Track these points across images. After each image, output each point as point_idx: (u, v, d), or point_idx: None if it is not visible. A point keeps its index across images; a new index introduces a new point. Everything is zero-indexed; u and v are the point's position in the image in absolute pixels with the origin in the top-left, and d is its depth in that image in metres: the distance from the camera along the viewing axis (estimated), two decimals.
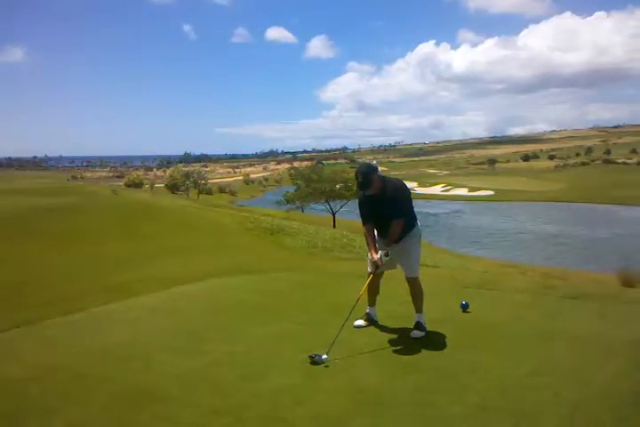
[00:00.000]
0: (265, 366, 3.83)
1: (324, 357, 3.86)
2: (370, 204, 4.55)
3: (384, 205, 4.45)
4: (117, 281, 7.79)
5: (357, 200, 4.78)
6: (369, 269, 4.74)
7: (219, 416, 3.03)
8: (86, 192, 23.64)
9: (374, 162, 4.68)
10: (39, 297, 6.86)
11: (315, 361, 3.84)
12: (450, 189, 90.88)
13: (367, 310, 4.89)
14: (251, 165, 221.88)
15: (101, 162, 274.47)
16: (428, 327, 4.61)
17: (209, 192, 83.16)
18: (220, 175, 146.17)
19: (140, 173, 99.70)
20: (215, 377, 3.62)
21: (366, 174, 4.33)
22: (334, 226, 37.28)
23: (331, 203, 45.95)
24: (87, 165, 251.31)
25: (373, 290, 4.81)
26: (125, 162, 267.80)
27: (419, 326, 4.55)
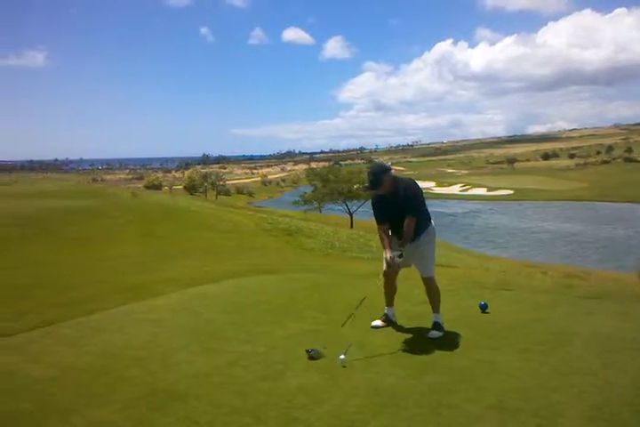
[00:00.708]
0: (284, 366, 3.84)
1: (342, 357, 3.86)
2: (383, 204, 4.57)
3: (397, 204, 4.46)
4: (136, 282, 7.87)
5: (370, 200, 4.82)
6: (384, 269, 4.74)
7: (238, 416, 3.04)
8: (106, 194, 23.94)
9: (388, 163, 4.70)
10: (60, 297, 6.95)
11: (312, 356, 3.90)
12: (468, 189, 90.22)
13: (385, 311, 4.88)
14: (268, 166, 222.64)
15: (121, 164, 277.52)
16: (447, 327, 4.59)
17: (227, 193, 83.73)
18: (237, 176, 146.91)
19: (159, 175, 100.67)
20: (234, 377, 3.64)
21: (377, 174, 4.36)
22: (351, 226, 37.30)
23: (348, 203, 45.96)
24: (107, 168, 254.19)
25: (390, 289, 4.81)
26: (145, 164, 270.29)
27: (437, 326, 4.53)
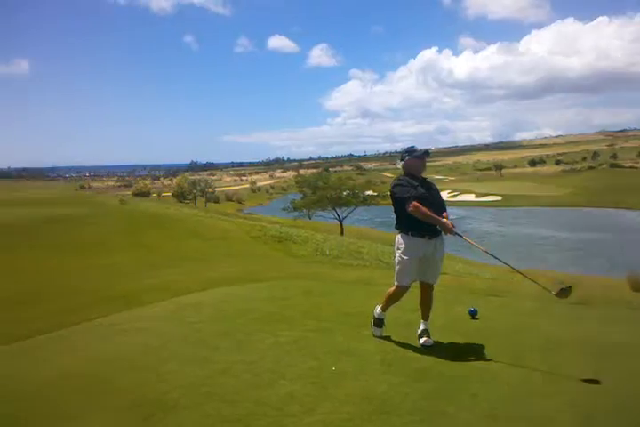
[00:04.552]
0: (274, 374, 3.81)
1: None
2: (419, 187, 4.41)
3: (432, 191, 4.49)
4: (125, 290, 7.80)
5: (397, 183, 4.49)
6: (400, 282, 4.50)
7: (228, 425, 3.01)
8: (94, 202, 23.76)
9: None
10: (50, 307, 6.89)
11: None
12: (457, 195, 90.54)
13: (382, 316, 4.79)
14: (257, 173, 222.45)
15: (109, 172, 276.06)
16: (438, 334, 4.58)
17: (216, 200, 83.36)
18: (226, 183, 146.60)
19: (148, 182, 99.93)
20: (224, 386, 3.61)
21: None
22: (342, 233, 37.24)
23: (338, 210, 45.94)
24: (95, 175, 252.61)
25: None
26: (132, 171, 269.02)
27: (427, 333, 4.50)
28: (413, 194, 4.31)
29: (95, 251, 12.51)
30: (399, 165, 4.63)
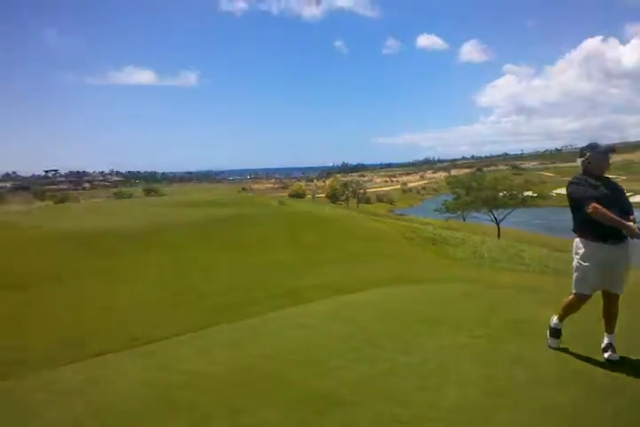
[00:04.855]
0: (441, 378, 3.73)
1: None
2: (600, 187, 4.03)
3: (616, 191, 4.09)
4: (288, 287, 8.18)
5: (573, 182, 4.18)
6: (579, 290, 4.16)
7: (401, 425, 3.00)
8: (256, 203, 25.30)
9: None
10: (220, 302, 7.45)
11: None
12: (630, 196, 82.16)
13: (558, 326, 4.47)
14: (407, 174, 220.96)
15: (267, 174, 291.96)
16: (629, 349, 4.12)
17: (368, 201, 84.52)
18: (377, 184, 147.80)
19: (302, 183, 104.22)
20: (391, 386, 3.61)
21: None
22: (499, 236, 35.65)
23: (494, 212, 44.06)
24: (254, 178, 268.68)
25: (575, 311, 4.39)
26: (288, 173, 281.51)
27: (613, 347, 4.08)
28: (593, 194, 3.96)
29: (259, 249, 13.30)
30: (578, 162, 4.28)
